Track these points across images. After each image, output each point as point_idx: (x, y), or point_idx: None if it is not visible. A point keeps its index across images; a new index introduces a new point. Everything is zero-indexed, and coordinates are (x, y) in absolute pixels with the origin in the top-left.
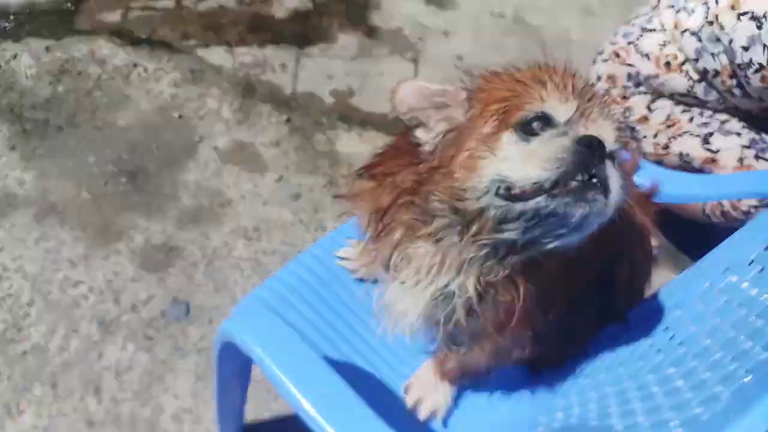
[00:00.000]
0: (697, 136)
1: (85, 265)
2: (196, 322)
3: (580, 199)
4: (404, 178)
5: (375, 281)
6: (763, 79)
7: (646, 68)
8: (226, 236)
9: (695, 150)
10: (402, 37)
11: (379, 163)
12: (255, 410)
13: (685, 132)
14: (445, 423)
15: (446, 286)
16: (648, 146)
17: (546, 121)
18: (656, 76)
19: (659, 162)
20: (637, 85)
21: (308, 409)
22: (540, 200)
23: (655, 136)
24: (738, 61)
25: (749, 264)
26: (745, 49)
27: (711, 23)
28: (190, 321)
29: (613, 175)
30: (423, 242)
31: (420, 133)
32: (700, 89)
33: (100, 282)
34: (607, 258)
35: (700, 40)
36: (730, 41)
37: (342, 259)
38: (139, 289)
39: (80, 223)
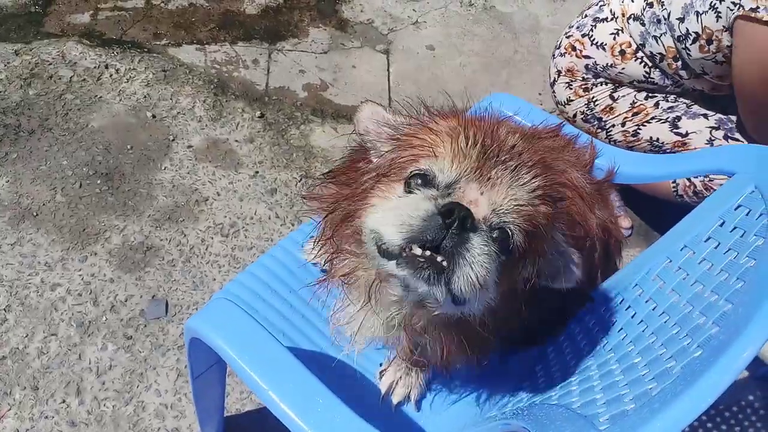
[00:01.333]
0: (666, 120)
1: (62, 267)
2: (176, 319)
3: (417, 273)
4: (346, 203)
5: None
6: (701, 48)
7: (603, 58)
8: (203, 234)
9: (664, 135)
10: (373, 29)
11: (343, 169)
12: (237, 403)
13: (652, 118)
14: (418, 406)
15: (389, 318)
16: (617, 135)
17: (426, 179)
18: (613, 66)
19: (630, 149)
20: (596, 76)
21: (275, 400)
22: (391, 264)
23: (623, 124)
24: (677, 33)
25: (705, 241)
26: (681, 20)
27: (651, 5)
28: (169, 319)
29: (469, 256)
30: (363, 272)
31: (373, 157)
32: (656, 75)
33: (77, 284)
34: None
35: (643, 24)
36: (669, 15)
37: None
38: (118, 289)
39: (56, 227)
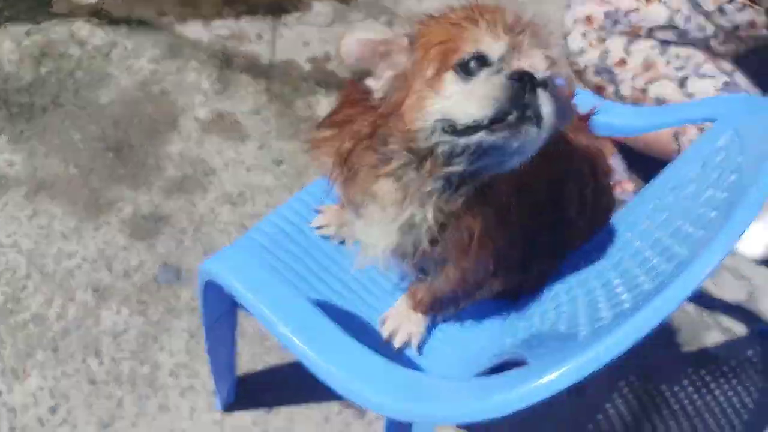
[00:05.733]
0: (674, 79)
1: (78, 237)
2: (187, 284)
3: (516, 132)
4: (361, 125)
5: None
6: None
7: (626, 3)
8: (212, 203)
9: (672, 94)
10: (376, 0)
11: (336, 112)
12: (248, 363)
13: (662, 75)
14: (419, 350)
15: (410, 218)
16: (626, 90)
17: (482, 59)
18: (636, 10)
19: (636, 105)
20: (615, 23)
21: (287, 334)
22: (481, 135)
23: (633, 78)
24: None
25: (688, 182)
26: None
27: None
28: (181, 284)
29: (545, 103)
30: (384, 180)
31: (369, 82)
32: (680, 19)
33: (92, 252)
34: (553, 179)
35: None
36: None
37: (320, 228)
38: (131, 256)
39: (70, 198)
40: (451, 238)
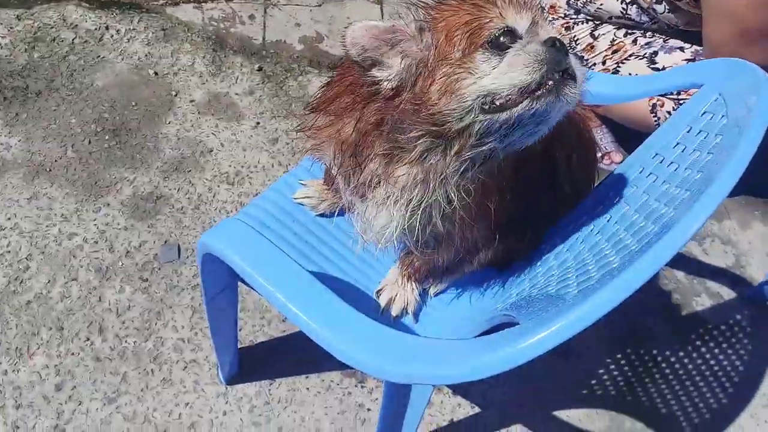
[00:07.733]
0: (643, 57)
1: (78, 218)
2: (188, 262)
3: (560, 94)
4: (368, 115)
5: (339, 213)
6: None
7: None
8: (210, 182)
9: (642, 70)
10: None
11: (331, 98)
12: (250, 336)
13: (630, 55)
14: (416, 318)
15: (427, 199)
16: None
17: (511, 34)
18: (592, 2)
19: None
20: (577, 12)
21: (284, 302)
22: (526, 104)
23: (604, 62)
24: None
25: (674, 147)
26: None
27: None
28: (182, 262)
29: (576, 65)
30: (404, 166)
31: (377, 72)
32: (633, 11)
33: (93, 233)
34: (545, 146)
35: None
36: None
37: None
38: (131, 236)
39: (69, 181)
40: (461, 213)
